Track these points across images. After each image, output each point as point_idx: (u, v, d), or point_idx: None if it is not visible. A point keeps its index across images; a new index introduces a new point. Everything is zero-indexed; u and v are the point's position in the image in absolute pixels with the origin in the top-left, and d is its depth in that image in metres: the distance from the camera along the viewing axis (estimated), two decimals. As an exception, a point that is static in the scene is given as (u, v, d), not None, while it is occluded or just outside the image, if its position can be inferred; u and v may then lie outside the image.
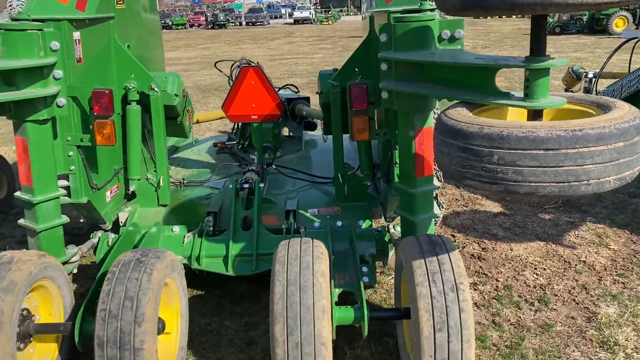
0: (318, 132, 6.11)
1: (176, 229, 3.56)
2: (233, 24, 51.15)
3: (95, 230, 3.59)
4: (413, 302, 2.41)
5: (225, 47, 26.65)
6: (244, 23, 53.27)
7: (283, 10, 62.44)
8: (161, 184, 3.90)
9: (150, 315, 2.37)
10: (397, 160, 3.24)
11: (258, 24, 51.96)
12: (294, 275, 2.42)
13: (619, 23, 22.91)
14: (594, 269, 3.74)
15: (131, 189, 3.87)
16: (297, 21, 52.22)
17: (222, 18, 48.13)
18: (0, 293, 2.40)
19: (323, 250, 2.59)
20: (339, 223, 3.60)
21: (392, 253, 3.52)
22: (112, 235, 3.53)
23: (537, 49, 2.06)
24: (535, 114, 2.15)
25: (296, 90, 5.96)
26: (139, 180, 3.85)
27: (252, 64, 5.49)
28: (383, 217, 3.75)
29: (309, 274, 2.43)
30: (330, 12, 53.61)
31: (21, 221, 3.05)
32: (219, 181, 4.39)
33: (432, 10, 2.87)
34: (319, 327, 2.34)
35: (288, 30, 40.67)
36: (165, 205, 3.97)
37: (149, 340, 2.34)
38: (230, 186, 3.67)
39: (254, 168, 4.01)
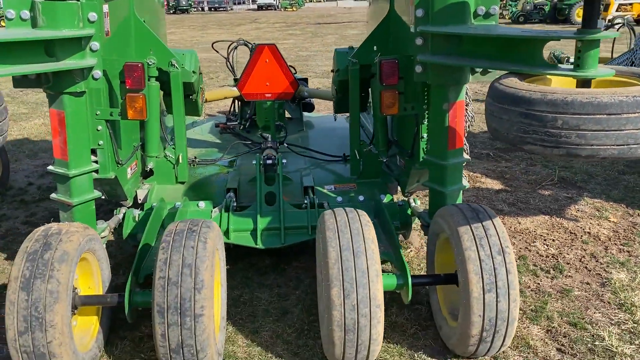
0: (314, 113, 6.18)
1: (201, 204, 3.58)
2: (195, 9, 50.19)
3: (117, 207, 3.58)
4: (461, 265, 2.52)
5: (191, 32, 26.21)
6: (206, 8, 52.38)
7: (246, -4, 61.75)
8: (180, 161, 3.89)
9: (208, 281, 2.41)
10: (424, 135, 3.34)
11: (221, 9, 51.23)
12: (346, 241, 2.50)
13: (581, 13, 23.45)
14: (599, 239, 3.94)
15: (149, 166, 3.85)
16: (260, 7, 51.69)
17: (184, 3, 47.16)
18: (55, 263, 2.39)
19: (368, 218, 2.67)
20: (361, 198, 3.69)
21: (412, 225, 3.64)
22: (136, 212, 3.53)
23: (590, 22, 2.18)
24: (584, 84, 2.28)
25: (294, 71, 5.98)
26: (157, 157, 3.85)
27: (250, 45, 5.52)
28: (401, 192, 3.84)
29: (361, 239, 2.51)
30: (294, -1, 53.28)
31: (54, 195, 3.01)
32: (229, 160, 4.42)
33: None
34: (374, 289, 2.43)
35: (253, 16, 40.25)
36: (182, 183, 3.97)
37: (208, 306, 2.38)
38: (254, 162, 3.71)
39: (271, 145, 4.04)
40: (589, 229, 4.11)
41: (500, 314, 2.46)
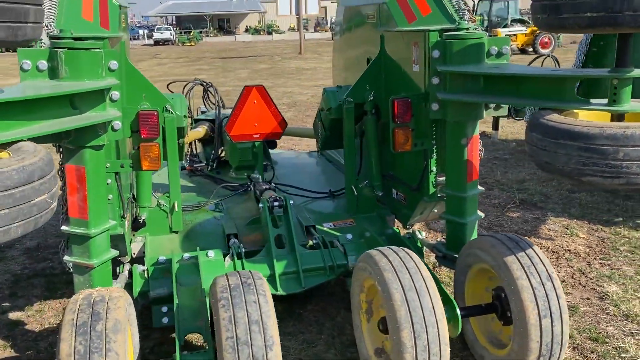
0: (276, 150, 6.14)
1: (211, 253, 3.42)
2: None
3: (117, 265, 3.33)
4: (514, 295, 2.61)
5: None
6: (99, 44, 50.53)
7: (141, 32, 60.38)
8: (175, 209, 3.71)
9: (277, 337, 2.31)
10: (432, 168, 3.44)
11: (115, 45, 49.65)
12: (407, 281, 2.50)
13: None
14: (580, 256, 4.24)
15: (142, 217, 3.64)
16: (157, 42, 50.74)
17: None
18: (110, 334, 2.19)
19: (417, 255, 2.70)
20: (367, 234, 3.71)
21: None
22: (140, 267, 3.31)
23: (623, 61, 2.39)
24: (619, 117, 2.48)
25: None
26: (150, 207, 3.65)
27: (205, 84, 5.43)
28: (402, 225, 3.91)
29: (420, 278, 2.53)
30: (191, 33, 52.88)
31: (68, 258, 2.75)
32: (213, 203, 4.28)
33: (467, 29, 3.16)
34: (442, 328, 2.45)
35: (151, 51, 39.36)
36: (176, 232, 3.79)
37: (280, 363, 2.28)
38: (260, 205, 3.62)
39: (270, 187, 3.97)
40: (567, 246, 4.40)
41: (556, 338, 2.57)
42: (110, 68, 2.62)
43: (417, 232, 3.71)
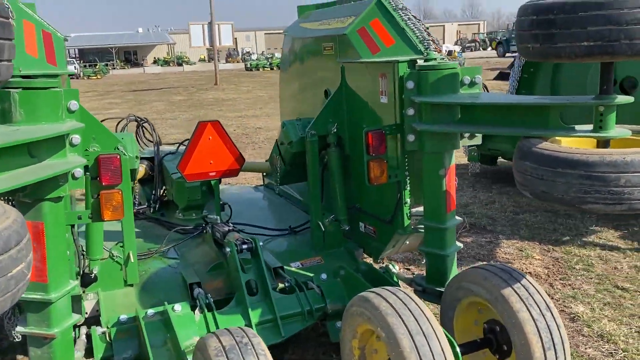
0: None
1: (177, 307, 3.10)
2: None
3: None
4: (516, 328, 2.54)
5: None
6: (-5, 80, 47.35)
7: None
8: (131, 260, 3.36)
9: (284, 401, 2.08)
10: (407, 200, 3.36)
11: (14, 80, 46.71)
12: (413, 324, 2.36)
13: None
14: (542, 277, 4.30)
15: (94, 272, 3.26)
16: (60, 76, 48.36)
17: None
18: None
19: (414, 295, 2.57)
20: (342, 272, 3.54)
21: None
22: (99, 329, 2.94)
23: (607, 89, 2.43)
24: (605, 143, 2.51)
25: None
26: (102, 259, 3.29)
27: (140, 120, 5.12)
28: (373, 259, 3.79)
29: (425, 320, 2.40)
30: (97, 66, 50.97)
31: (21, 329, 2.37)
32: (165, 250, 3.95)
33: (435, 59, 3.14)
34: (453, 372, 2.32)
35: (55, 86, 37.35)
36: (131, 285, 3.43)
37: None
38: (228, 249, 3.35)
39: (233, 228, 3.71)
40: (526, 269, 4.47)
41: (560, 370, 2.52)
42: (70, 109, 2.33)
43: (390, 266, 3.59)
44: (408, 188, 3.34)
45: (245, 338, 2.24)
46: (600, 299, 3.92)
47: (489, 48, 53.92)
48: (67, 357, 2.41)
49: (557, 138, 2.68)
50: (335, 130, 3.64)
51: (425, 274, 3.31)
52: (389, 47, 3.40)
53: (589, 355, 3.24)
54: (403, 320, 2.37)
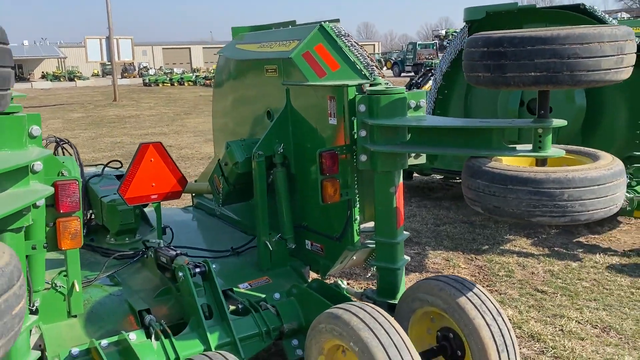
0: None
1: (132, 336, 3.01)
2: None
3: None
4: (473, 334, 2.73)
5: None
6: None
7: None
8: (76, 289, 3.20)
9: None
10: (357, 217, 3.49)
11: None
12: (385, 338, 2.47)
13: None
14: (470, 285, 4.60)
15: (35, 304, 3.07)
16: None
17: None
18: None
19: (379, 308, 2.69)
20: (294, 290, 3.59)
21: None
22: (51, 365, 2.79)
23: (545, 112, 2.71)
24: (543, 162, 2.79)
25: (120, 165, 5.44)
26: (44, 290, 3.11)
27: (62, 141, 4.90)
28: (321, 275, 3.87)
29: (395, 332, 2.52)
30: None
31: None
32: (104, 277, 3.79)
33: (380, 83, 3.33)
34: (423, 379, 2.46)
35: None
36: (75, 316, 3.27)
37: None
38: (181, 274, 3.29)
39: (180, 252, 3.63)
40: (456, 277, 4.75)
41: (512, 370, 2.75)
42: (32, 134, 2.22)
43: (339, 282, 3.70)
44: (357, 206, 3.48)
45: (227, 362, 2.24)
46: (524, 302, 4.28)
47: (384, 68, 56.28)
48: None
49: (498, 158, 2.94)
50: (281, 150, 3.70)
51: (376, 288, 3.45)
52: (334, 71, 3.54)
53: (523, 355, 3.53)
54: (375, 334, 2.48)
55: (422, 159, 3.45)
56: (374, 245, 3.44)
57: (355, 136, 3.27)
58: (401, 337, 2.51)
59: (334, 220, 3.59)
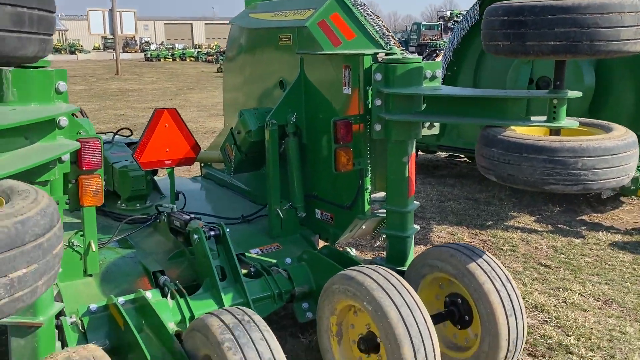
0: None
1: (148, 294, 3.08)
2: None
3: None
4: (482, 299, 2.80)
5: None
6: None
7: None
8: (92, 249, 3.27)
9: (291, 373, 2.18)
10: (368, 186, 3.54)
11: None
12: (398, 298, 2.54)
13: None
14: (475, 258, 4.68)
15: None
16: None
17: None
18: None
19: (391, 271, 2.76)
20: (305, 255, 3.66)
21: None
22: (69, 319, 2.86)
23: (561, 84, 2.74)
24: (556, 132, 2.83)
25: (130, 133, 5.47)
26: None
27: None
28: (330, 243, 3.93)
29: (407, 292, 2.59)
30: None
31: (6, 320, 2.26)
32: (117, 239, 3.86)
33: (396, 53, 3.36)
34: (434, 340, 2.53)
35: None
36: (90, 276, 3.34)
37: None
38: (196, 236, 3.35)
39: (192, 216, 3.69)
40: (461, 251, 4.82)
41: (520, 334, 2.82)
42: (59, 90, 2.25)
43: (348, 249, 3.77)
44: (369, 175, 3.53)
45: (247, 317, 2.31)
46: (528, 275, 4.36)
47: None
48: (50, 345, 2.34)
49: (512, 128, 2.99)
50: (294, 120, 3.74)
51: (385, 255, 3.52)
52: (350, 41, 3.55)
53: (527, 324, 3.60)
54: (388, 294, 2.55)
55: (436, 130, 3.48)
56: (384, 215, 3.50)
57: (370, 106, 3.31)
58: (413, 298, 2.58)
59: (345, 189, 3.65)
